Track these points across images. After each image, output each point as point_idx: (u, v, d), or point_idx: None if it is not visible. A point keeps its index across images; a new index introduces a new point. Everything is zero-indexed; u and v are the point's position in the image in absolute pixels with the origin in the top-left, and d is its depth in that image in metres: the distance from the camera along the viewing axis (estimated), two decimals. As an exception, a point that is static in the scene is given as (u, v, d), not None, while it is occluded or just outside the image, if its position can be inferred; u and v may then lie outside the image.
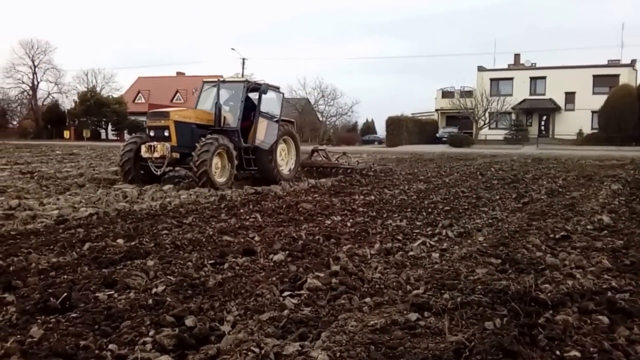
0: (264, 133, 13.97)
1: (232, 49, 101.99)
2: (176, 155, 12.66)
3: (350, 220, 7.96)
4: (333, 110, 77.81)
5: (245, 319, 3.85)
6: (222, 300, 4.21)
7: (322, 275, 4.89)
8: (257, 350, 3.23)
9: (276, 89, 15.03)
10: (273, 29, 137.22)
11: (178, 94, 72.10)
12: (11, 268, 4.93)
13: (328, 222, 7.86)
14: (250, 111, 14.04)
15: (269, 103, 14.65)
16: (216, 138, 12.56)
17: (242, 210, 8.77)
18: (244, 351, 3.22)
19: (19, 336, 3.38)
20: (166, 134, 12.67)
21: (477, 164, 22.34)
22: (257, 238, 6.57)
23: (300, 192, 11.64)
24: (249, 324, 3.72)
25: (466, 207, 9.57)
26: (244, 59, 67.84)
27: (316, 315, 3.94)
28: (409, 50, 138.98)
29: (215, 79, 14.64)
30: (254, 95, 14.37)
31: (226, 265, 5.24)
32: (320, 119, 77.32)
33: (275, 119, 14.36)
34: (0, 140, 43.70)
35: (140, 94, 72.65)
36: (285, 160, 14.96)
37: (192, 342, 3.41)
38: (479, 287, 4.53)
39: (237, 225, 7.35)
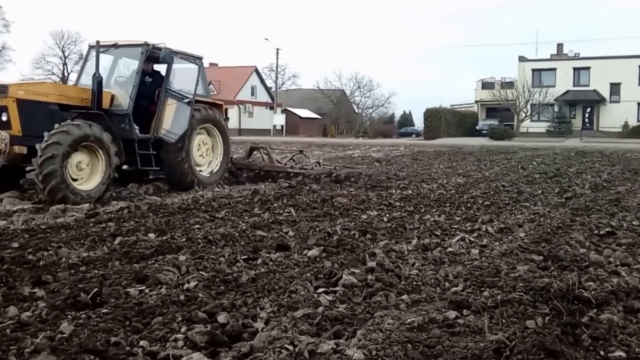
0: (170, 120, 10.38)
1: (266, 39, 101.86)
2: (21, 149, 8.69)
3: (387, 215, 7.80)
4: (369, 102, 77.57)
5: (278, 316, 3.75)
6: (255, 297, 4.11)
7: (357, 271, 4.76)
8: (291, 348, 3.13)
9: (190, 57, 11.35)
10: (308, 17, 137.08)
11: (211, 84, 72.62)
12: (41, 262, 4.91)
13: (364, 216, 7.71)
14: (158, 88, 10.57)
15: (186, 78, 11.25)
16: (77, 125, 8.73)
17: (275, 205, 8.68)
18: (278, 349, 3.12)
19: (48, 332, 3.35)
20: (4, 118, 8.72)
21: (518, 157, 21.84)
22: (291, 233, 6.47)
23: (335, 186, 11.47)
24: (283, 321, 3.62)
25: (507, 201, 9.33)
26: (277, 49, 67.89)
27: (352, 312, 3.82)
28: (447, 40, 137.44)
29: (112, 43, 10.54)
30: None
31: (259, 261, 5.15)
32: (356, 111, 77.09)
33: (187, 100, 10.60)
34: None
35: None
36: (207, 159, 11.32)
37: (225, 339, 3.32)
38: (520, 284, 4.38)
39: (270, 220, 7.26)
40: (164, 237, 6.06)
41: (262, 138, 46.32)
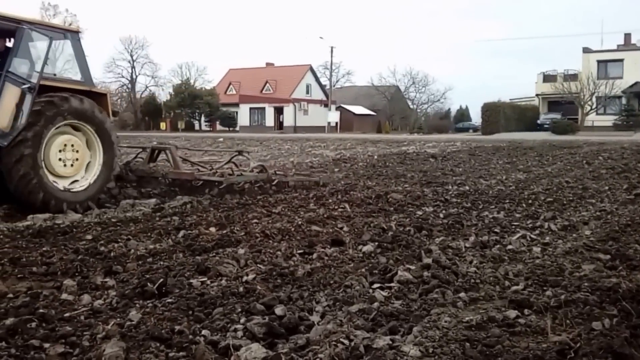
0: (9, 114, 7.58)
1: (321, 37, 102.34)
2: None
3: (443, 212, 7.75)
4: (424, 98, 76.75)
5: (334, 310, 3.81)
6: (311, 291, 4.19)
7: (413, 267, 4.77)
8: (346, 342, 3.18)
9: (54, 30, 8.52)
10: (362, 15, 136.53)
11: (268, 84, 73.52)
12: (112, 254, 5.18)
13: (419, 213, 7.69)
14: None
15: (65, 59, 9.09)
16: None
17: (330, 200, 8.75)
18: (333, 342, 3.17)
19: (118, 319, 3.52)
20: None
21: (583, 152, 21.09)
22: (345, 228, 6.53)
23: (390, 182, 11.42)
24: (338, 315, 3.68)
25: (571, 198, 9.06)
26: (332, 47, 68.09)
27: (407, 309, 3.83)
28: (506, 32, 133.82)
29: None
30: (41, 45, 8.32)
31: (315, 255, 5.23)
32: (411, 106, 76.36)
33: (28, 86, 7.71)
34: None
35: (231, 86, 74.75)
36: (76, 169, 8.24)
37: (282, 331, 3.41)
38: (586, 284, 4.25)
39: (325, 215, 7.34)
40: (224, 231, 6.24)
41: (317, 135, 46.54)
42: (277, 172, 11.14)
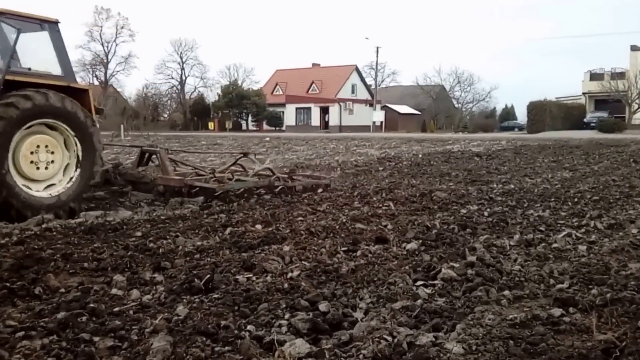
0: None
1: (366, 38, 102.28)
2: None
3: (488, 210, 7.63)
4: (469, 97, 75.82)
5: (377, 307, 3.81)
6: (354, 287, 4.20)
7: (457, 265, 4.72)
8: (389, 338, 3.18)
9: (8, 17, 7.59)
10: (408, 15, 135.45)
11: (314, 84, 73.85)
12: (161, 250, 5.31)
13: (464, 211, 7.60)
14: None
15: (43, 52, 8.13)
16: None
17: (374, 199, 8.74)
18: (377, 339, 3.18)
19: (166, 314, 3.60)
20: None
21: (630, 150, 20.41)
22: (389, 226, 6.51)
23: (434, 181, 11.29)
24: (382, 312, 3.68)
25: (618, 197, 8.79)
26: (377, 47, 67.89)
27: (451, 306, 3.80)
28: (552, 31, 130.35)
29: None
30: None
31: (359, 253, 5.24)
32: (456, 105, 75.44)
33: None
34: (152, 132, 47.50)
35: (277, 86, 75.42)
36: (50, 172, 7.56)
37: (326, 327, 3.43)
38: (632, 282, 4.16)
39: (369, 213, 7.33)
40: (270, 229, 6.32)
41: (362, 134, 46.48)
42: (285, 176, 10.05)
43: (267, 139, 34.86)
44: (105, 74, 75.69)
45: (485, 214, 7.35)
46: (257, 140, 32.94)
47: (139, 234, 6.07)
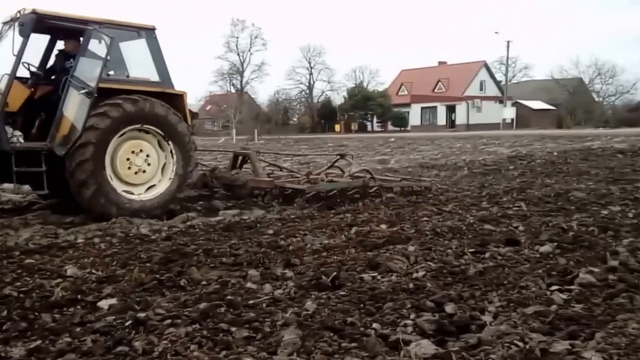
0: (70, 121, 7.42)
1: (496, 32, 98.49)
2: None
3: (632, 211, 7.06)
4: (611, 89, 70.45)
5: (507, 311, 3.68)
6: (482, 290, 4.10)
7: (596, 270, 4.43)
8: (520, 344, 3.08)
9: (106, 26, 7.75)
10: (539, 6, 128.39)
11: (440, 83, 72.50)
12: (290, 247, 5.53)
13: (604, 212, 7.10)
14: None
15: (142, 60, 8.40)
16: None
17: (504, 199, 8.43)
18: (507, 344, 3.09)
19: (296, 308, 3.73)
20: None
21: None
22: (521, 228, 6.26)
23: (571, 180, 10.65)
24: (512, 316, 3.55)
25: None
26: (508, 42, 65.21)
27: (589, 313, 3.57)
28: None
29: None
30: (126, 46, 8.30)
31: (487, 255, 5.09)
32: (596, 99, 70.40)
33: (86, 91, 7.37)
34: (283, 135, 49.31)
35: (402, 86, 74.94)
36: (147, 176, 7.90)
37: (452, 329, 3.38)
38: None
39: (499, 214, 7.10)
40: (394, 228, 6.33)
41: (490, 132, 44.85)
42: (382, 177, 9.95)
43: (392, 139, 34.79)
44: (241, 82, 79.75)
45: (630, 215, 6.82)
46: (382, 141, 32.97)
47: (271, 231, 6.37)
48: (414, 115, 68.66)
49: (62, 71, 7.92)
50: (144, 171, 7.87)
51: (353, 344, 3.18)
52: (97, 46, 7.72)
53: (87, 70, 7.57)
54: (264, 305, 3.84)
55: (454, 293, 4.00)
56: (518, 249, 5.30)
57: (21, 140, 7.41)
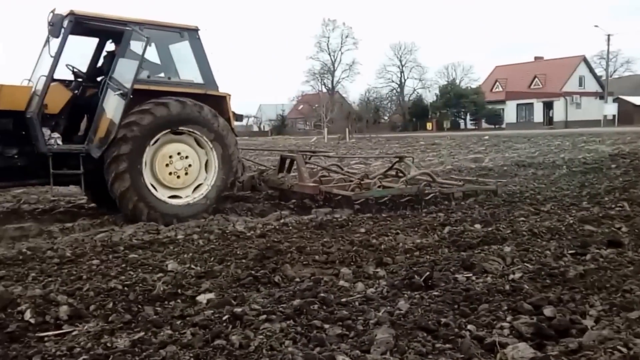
0: (107, 123, 7.45)
1: (595, 25, 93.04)
2: None
3: None
4: None
5: (610, 315, 3.50)
6: (583, 293, 3.91)
7: None
8: (624, 350, 2.91)
9: (146, 27, 7.71)
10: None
11: (536, 79, 69.66)
12: (382, 246, 5.53)
13: None
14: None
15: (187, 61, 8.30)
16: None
17: (606, 199, 7.99)
18: (609, 350, 2.93)
19: (388, 307, 3.72)
20: None
21: None
22: (624, 229, 5.91)
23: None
24: (615, 321, 3.37)
25: None
26: (608, 35, 61.61)
27: (700, 320, 3.33)
28: None
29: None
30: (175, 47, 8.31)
31: (588, 257, 4.85)
32: None
33: (121, 92, 7.44)
34: (374, 133, 49.17)
35: (497, 83, 72.70)
36: (188, 179, 7.90)
37: (551, 333, 3.26)
38: None
39: (600, 214, 6.73)
40: (489, 228, 6.18)
41: (591, 129, 42.61)
42: (443, 181, 9.35)
43: (486, 137, 33.81)
44: (332, 81, 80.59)
45: None
46: (476, 139, 32.10)
47: (362, 230, 6.40)
48: (509, 112, 66.41)
49: (108, 73, 7.86)
50: (186, 173, 7.85)
51: (447, 345, 3.14)
52: (140, 48, 7.70)
53: (125, 72, 7.54)
54: (357, 303, 3.86)
55: (553, 296, 3.85)
56: (621, 251, 5.01)
57: (59, 142, 7.43)
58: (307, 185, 8.56)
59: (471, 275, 4.45)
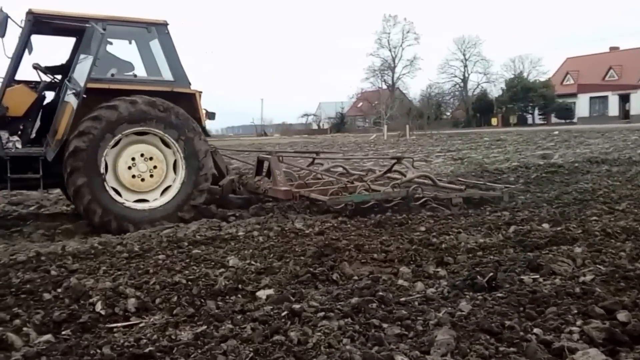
0: (64, 126, 7.17)
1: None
2: None
3: None
4: None
5: (691, 322, 3.27)
6: (662, 298, 3.68)
7: None
8: None
9: (110, 23, 7.44)
10: None
11: (611, 70, 66.75)
12: (443, 245, 5.39)
13: None
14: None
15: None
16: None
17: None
18: (690, 358, 2.75)
19: (449, 308, 3.63)
20: None
21: None
22: None
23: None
24: (697, 328, 3.15)
25: None
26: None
27: None
28: None
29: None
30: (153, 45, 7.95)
31: (668, 259, 4.57)
32: None
33: (74, 92, 7.19)
34: (435, 130, 48.47)
35: (568, 75, 70.21)
36: (152, 182, 7.47)
37: (625, 339, 3.08)
38: None
39: (682, 214, 6.34)
40: (559, 228, 5.92)
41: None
42: (446, 185, 8.62)
43: (556, 132, 32.71)
44: (392, 77, 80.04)
45: None
46: (545, 135, 31.09)
47: (422, 228, 6.29)
48: (581, 106, 63.98)
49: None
50: (152, 175, 7.45)
51: (512, 349, 3.02)
52: (125, 47, 7.64)
53: (85, 71, 7.22)
54: (416, 303, 3.79)
55: (628, 300, 3.64)
56: None
57: (18, 145, 7.20)
58: (279, 189, 7.94)
59: (538, 276, 4.27)
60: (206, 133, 8.03)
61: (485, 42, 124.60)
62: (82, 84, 7.07)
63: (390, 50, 79.23)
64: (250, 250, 5.49)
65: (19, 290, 4.29)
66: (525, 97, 64.96)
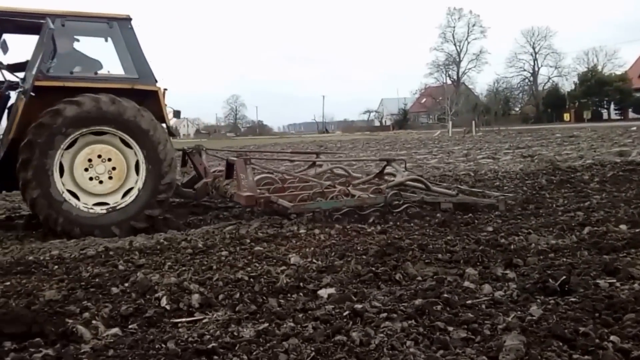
0: (12, 125, 6.98)
1: None
2: None
3: None
4: None
5: None
6: None
7: None
8: None
9: (68, 19, 7.16)
10: None
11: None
12: (512, 246, 5.21)
13: None
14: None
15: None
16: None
17: None
18: None
19: (519, 312, 3.50)
20: None
21: None
22: None
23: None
24: None
25: None
26: None
27: None
28: None
29: None
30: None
31: None
32: None
33: (21, 90, 7.08)
34: (503, 126, 47.16)
35: (646, 68, 66.76)
36: (112, 185, 7.02)
37: None
38: None
39: None
40: (637, 230, 5.61)
41: None
42: (438, 190, 7.92)
43: (634, 128, 31.12)
44: (457, 72, 78.66)
45: None
46: (621, 131, 29.68)
47: (490, 229, 6.09)
48: (661, 100, 60.72)
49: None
50: (110, 177, 7.02)
51: (586, 357, 2.88)
52: (68, 42, 7.35)
53: (46, 70, 6.98)
54: (483, 306, 3.67)
55: None
56: None
57: None
58: (241, 195, 7.34)
59: (615, 281, 4.06)
60: (171, 133, 7.76)
61: (556, 34, 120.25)
62: (28, 82, 6.81)
63: (455, 44, 77.98)
64: (312, 248, 5.47)
65: (89, 284, 4.45)
66: (600, 92, 62.43)
